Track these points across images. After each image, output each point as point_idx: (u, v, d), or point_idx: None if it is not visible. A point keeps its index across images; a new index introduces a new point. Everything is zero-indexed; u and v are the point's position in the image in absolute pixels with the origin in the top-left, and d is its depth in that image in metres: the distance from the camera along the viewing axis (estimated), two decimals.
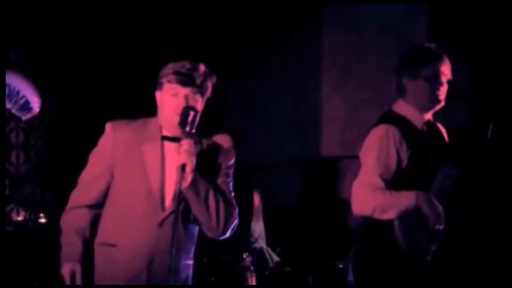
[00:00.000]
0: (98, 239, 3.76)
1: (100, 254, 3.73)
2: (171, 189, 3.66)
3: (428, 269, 4.01)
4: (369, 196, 3.96)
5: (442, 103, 4.15)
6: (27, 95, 5.54)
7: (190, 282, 3.83)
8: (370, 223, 4.01)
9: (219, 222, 3.69)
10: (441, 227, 3.98)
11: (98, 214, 3.76)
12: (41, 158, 6.14)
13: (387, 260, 4.00)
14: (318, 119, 6.28)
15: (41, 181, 6.01)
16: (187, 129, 3.61)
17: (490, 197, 5.34)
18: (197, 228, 3.78)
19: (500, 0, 5.87)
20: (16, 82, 5.50)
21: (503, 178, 5.16)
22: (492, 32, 6.02)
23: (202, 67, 3.71)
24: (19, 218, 5.81)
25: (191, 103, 3.64)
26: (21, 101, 5.54)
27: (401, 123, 4.09)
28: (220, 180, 3.76)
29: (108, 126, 3.74)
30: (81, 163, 3.76)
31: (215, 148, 3.80)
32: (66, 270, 3.66)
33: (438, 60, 4.11)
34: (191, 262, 3.83)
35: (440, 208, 3.98)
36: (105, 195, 3.75)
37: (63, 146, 6.06)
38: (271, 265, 5.35)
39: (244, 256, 5.14)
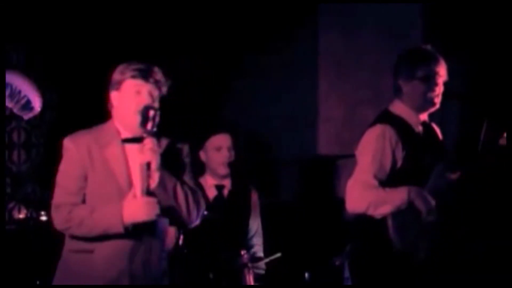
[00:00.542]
0: (70, 247, 3.77)
1: (75, 262, 3.75)
2: (139, 189, 3.70)
3: (421, 266, 4.05)
4: (363, 194, 4.01)
5: (437, 105, 4.18)
6: (29, 95, 5.56)
7: (167, 276, 3.89)
8: (364, 221, 4.06)
9: (189, 212, 3.80)
10: (433, 219, 4.03)
11: None
12: (42, 157, 6.15)
13: (381, 257, 4.05)
14: (315, 118, 6.29)
15: (42, 180, 6.01)
16: (149, 127, 3.69)
17: (488, 196, 5.36)
18: (167, 221, 3.87)
19: (495, 1, 5.89)
20: (17, 82, 5.52)
21: (499, 178, 5.17)
22: (488, 33, 6.04)
23: (156, 67, 3.78)
24: (21, 216, 5.81)
25: (152, 100, 3.71)
26: (23, 101, 5.56)
27: (397, 123, 4.13)
28: (181, 171, 3.84)
29: (67, 141, 3.76)
30: None
31: (169, 142, 3.87)
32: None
33: (433, 61, 4.14)
34: (165, 255, 3.90)
35: (433, 201, 4.02)
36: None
37: None
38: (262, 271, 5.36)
39: (242, 253, 5.16)
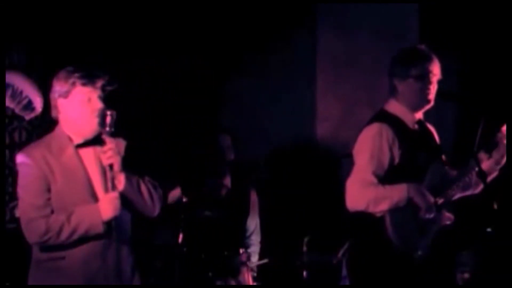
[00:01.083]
0: (40, 257, 3.79)
1: (46, 270, 3.78)
2: (100, 190, 3.75)
3: (420, 264, 4.06)
4: (362, 191, 4.03)
5: (432, 103, 4.21)
6: (30, 95, 5.57)
7: (137, 271, 3.94)
8: (363, 219, 4.08)
9: (154, 203, 3.87)
10: (432, 216, 4.05)
11: None
12: None
13: (379, 255, 4.06)
14: (313, 118, 6.30)
15: None
16: (108, 129, 3.74)
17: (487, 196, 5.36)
18: (129, 216, 3.92)
19: (491, 1, 5.92)
20: (19, 82, 5.53)
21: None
22: (482, 32, 6.07)
23: (100, 71, 3.83)
24: None
25: (103, 103, 3.75)
26: (24, 101, 5.58)
27: (393, 122, 4.15)
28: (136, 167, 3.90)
29: (22, 157, 3.78)
30: None
31: (125, 141, 3.90)
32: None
33: (427, 60, 4.17)
34: (132, 249, 3.95)
35: (432, 198, 4.05)
36: None
37: None
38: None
39: (241, 251, 5.19)
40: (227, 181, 5.43)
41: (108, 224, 3.72)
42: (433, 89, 4.17)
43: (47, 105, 5.92)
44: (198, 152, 5.48)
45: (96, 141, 3.76)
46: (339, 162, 5.96)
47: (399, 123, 4.16)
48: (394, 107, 4.20)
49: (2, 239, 4.93)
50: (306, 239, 5.31)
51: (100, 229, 3.70)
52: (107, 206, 3.70)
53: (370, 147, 4.09)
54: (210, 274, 5.10)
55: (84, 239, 3.71)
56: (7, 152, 5.89)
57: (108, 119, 3.72)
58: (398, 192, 4.02)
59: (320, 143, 6.30)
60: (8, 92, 5.49)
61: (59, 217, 3.69)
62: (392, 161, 4.10)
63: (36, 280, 3.81)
